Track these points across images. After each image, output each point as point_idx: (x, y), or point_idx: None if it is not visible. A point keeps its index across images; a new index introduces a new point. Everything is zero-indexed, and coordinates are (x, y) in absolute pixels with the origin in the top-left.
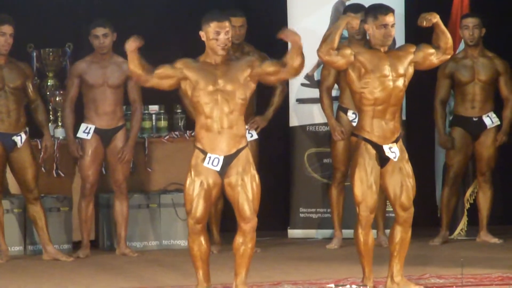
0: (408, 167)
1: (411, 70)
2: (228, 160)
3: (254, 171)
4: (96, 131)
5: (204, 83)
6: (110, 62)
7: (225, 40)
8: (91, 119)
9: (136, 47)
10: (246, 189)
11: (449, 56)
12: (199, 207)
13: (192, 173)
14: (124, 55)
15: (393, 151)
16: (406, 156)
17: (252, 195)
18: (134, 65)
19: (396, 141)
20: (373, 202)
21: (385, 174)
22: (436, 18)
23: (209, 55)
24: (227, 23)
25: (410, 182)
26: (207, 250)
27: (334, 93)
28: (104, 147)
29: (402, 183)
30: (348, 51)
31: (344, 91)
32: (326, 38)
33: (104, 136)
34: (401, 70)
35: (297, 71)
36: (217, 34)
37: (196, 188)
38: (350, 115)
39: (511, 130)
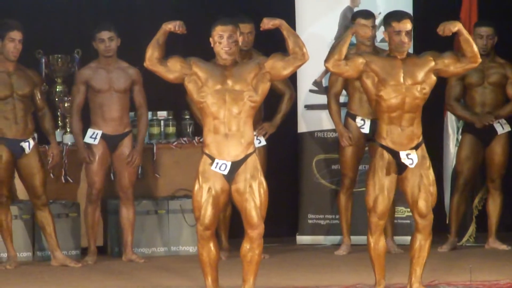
0: (429, 174)
1: (433, 77)
2: (236, 166)
3: (262, 178)
4: (103, 136)
5: (212, 82)
6: (115, 67)
7: (229, 44)
8: (97, 124)
9: (170, 29)
10: (254, 196)
11: (475, 65)
12: (207, 214)
13: (200, 179)
14: (129, 60)
15: (410, 157)
16: (428, 163)
17: (260, 202)
18: (155, 43)
19: (415, 148)
20: (384, 208)
21: (404, 180)
22: (456, 27)
23: (219, 60)
24: (230, 27)
25: (429, 190)
26: (216, 256)
27: (342, 99)
28: (110, 153)
29: (420, 190)
30: (359, 60)
31: (352, 98)
32: (333, 50)
33: (111, 142)
34: (418, 78)
35: (302, 51)
36: (221, 37)
37: (204, 195)
38: (359, 121)
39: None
